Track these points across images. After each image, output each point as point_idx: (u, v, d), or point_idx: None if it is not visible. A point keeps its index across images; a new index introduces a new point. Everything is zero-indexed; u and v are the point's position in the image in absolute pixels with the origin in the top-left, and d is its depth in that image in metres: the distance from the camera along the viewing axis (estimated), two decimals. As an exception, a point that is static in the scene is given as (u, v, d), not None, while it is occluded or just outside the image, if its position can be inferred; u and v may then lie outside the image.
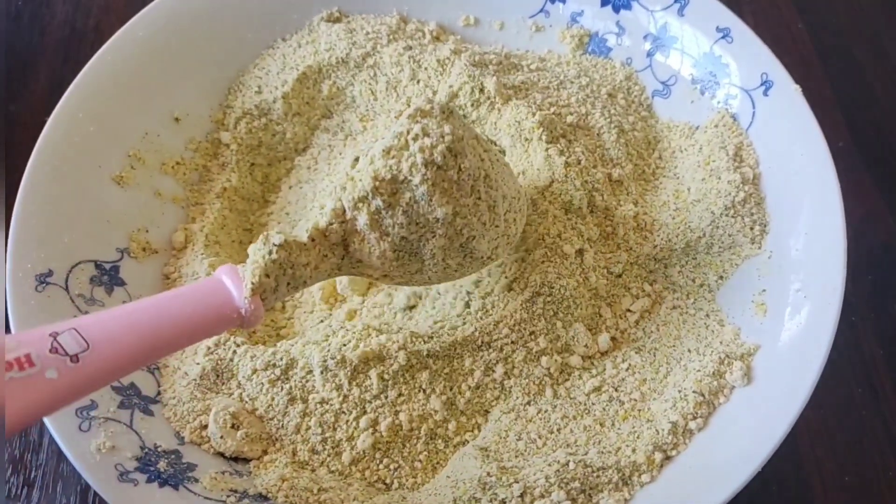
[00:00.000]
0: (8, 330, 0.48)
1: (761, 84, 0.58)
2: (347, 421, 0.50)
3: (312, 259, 0.44)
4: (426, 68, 0.61)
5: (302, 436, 0.50)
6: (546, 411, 0.51)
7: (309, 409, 0.50)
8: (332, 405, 0.50)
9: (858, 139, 0.73)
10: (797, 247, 0.53)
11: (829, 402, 0.60)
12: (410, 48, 0.62)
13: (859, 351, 0.63)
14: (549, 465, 0.47)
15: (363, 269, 0.46)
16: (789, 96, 0.56)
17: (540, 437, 0.50)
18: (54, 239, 0.52)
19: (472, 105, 0.60)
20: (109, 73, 0.58)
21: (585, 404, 0.52)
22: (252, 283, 0.41)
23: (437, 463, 0.50)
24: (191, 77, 0.62)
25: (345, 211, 0.44)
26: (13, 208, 0.52)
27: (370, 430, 0.50)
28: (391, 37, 0.63)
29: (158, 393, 0.51)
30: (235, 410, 0.49)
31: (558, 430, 0.51)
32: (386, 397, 0.50)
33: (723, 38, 0.60)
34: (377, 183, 0.43)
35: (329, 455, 0.50)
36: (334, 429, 0.50)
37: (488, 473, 0.46)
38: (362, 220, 0.44)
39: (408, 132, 0.43)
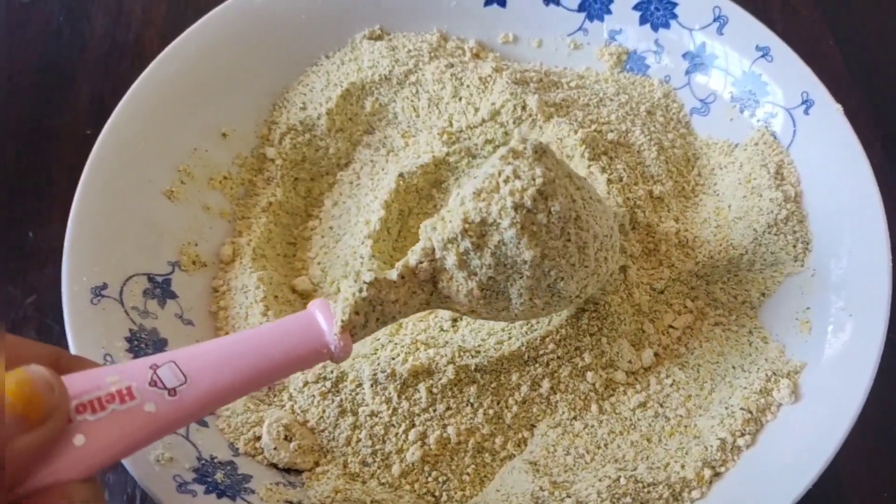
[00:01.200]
0: (65, 341, 0.49)
1: (802, 103, 0.59)
2: (397, 434, 0.50)
3: (402, 296, 0.45)
4: (468, 85, 0.62)
5: (352, 448, 0.50)
6: (592, 426, 0.52)
7: (359, 422, 0.50)
8: (381, 418, 0.50)
9: (891, 156, 0.74)
10: (841, 265, 0.53)
11: (867, 417, 0.60)
12: (452, 65, 0.63)
13: (896, 367, 0.63)
14: (601, 480, 0.47)
15: (451, 304, 0.47)
16: (830, 115, 0.57)
17: (588, 452, 0.51)
18: (108, 253, 0.53)
19: (515, 122, 0.60)
20: (158, 90, 0.59)
21: (631, 420, 0.52)
22: (342, 321, 0.42)
23: (485, 476, 0.51)
24: (237, 93, 0.63)
25: (434, 250, 0.45)
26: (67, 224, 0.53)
27: (419, 443, 0.50)
28: (432, 54, 0.64)
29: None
30: (288, 422, 0.50)
31: (605, 445, 0.51)
32: (434, 411, 0.51)
33: (762, 56, 0.61)
34: (466, 225, 0.44)
35: (379, 467, 0.50)
36: (384, 441, 0.50)
37: (541, 488, 0.47)
38: (451, 260, 0.44)
39: (499, 174, 0.44)
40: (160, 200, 0.57)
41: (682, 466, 0.49)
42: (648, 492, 0.47)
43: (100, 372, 0.36)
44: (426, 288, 0.46)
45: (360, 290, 0.43)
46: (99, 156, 0.55)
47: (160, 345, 0.52)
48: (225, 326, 0.56)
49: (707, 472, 0.48)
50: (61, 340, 0.49)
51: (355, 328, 0.43)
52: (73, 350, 0.48)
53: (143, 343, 0.51)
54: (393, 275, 0.44)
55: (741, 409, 0.50)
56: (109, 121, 0.57)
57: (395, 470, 0.50)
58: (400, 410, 0.50)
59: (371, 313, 0.44)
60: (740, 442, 0.49)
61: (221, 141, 0.62)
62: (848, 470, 0.59)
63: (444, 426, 0.50)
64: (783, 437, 0.49)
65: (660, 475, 0.48)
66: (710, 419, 0.51)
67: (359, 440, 0.50)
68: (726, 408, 0.50)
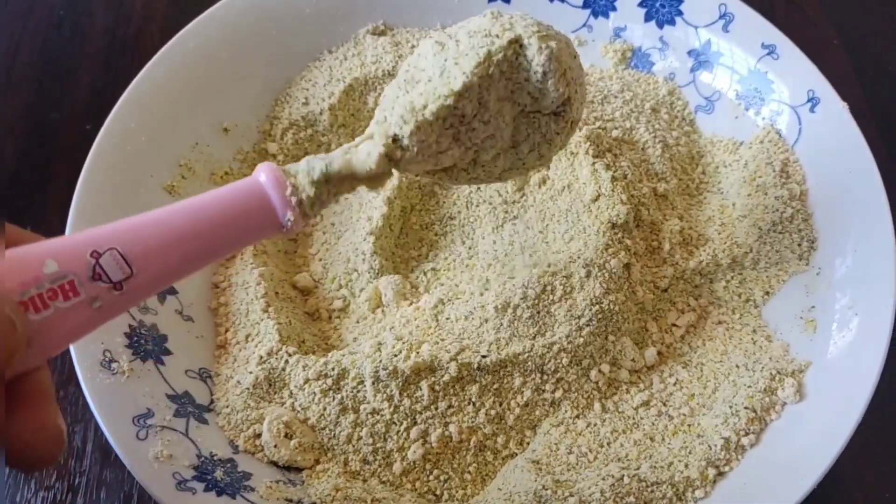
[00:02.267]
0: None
1: (808, 101, 0.58)
2: (398, 431, 0.50)
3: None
4: (472, 81, 0.62)
5: (353, 446, 0.50)
6: (595, 425, 0.51)
7: (360, 420, 0.50)
8: (383, 416, 0.50)
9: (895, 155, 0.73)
10: (846, 264, 0.53)
11: (870, 416, 0.60)
12: (456, 61, 0.63)
13: (900, 367, 0.63)
14: (604, 479, 0.47)
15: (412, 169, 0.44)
16: (836, 113, 0.57)
17: (591, 451, 0.50)
18: (108, 247, 0.53)
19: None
20: (160, 85, 0.59)
21: (634, 418, 0.52)
22: (306, 198, 0.40)
23: (486, 475, 0.51)
24: (239, 88, 0.62)
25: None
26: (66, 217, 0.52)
27: (420, 441, 0.50)
28: (436, 50, 0.64)
29: (212, 401, 0.51)
30: (288, 420, 0.49)
31: (608, 444, 0.51)
32: (436, 409, 0.50)
33: (768, 54, 0.61)
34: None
35: (380, 465, 0.50)
36: (385, 439, 0.50)
37: (543, 486, 0.46)
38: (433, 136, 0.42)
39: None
40: (161, 195, 0.57)
41: (686, 466, 0.48)
42: (652, 491, 0.47)
43: (38, 254, 0.33)
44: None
45: (320, 180, 0.40)
46: (100, 151, 0.55)
47: (160, 340, 0.51)
48: (225, 322, 0.56)
49: (711, 472, 0.48)
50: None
51: (313, 205, 0.40)
52: (71, 346, 0.48)
53: (142, 339, 0.50)
54: (366, 165, 0.41)
55: (745, 408, 0.49)
56: (110, 115, 0.56)
57: (397, 468, 0.50)
58: (401, 408, 0.50)
59: (329, 189, 0.41)
60: (744, 441, 0.49)
61: (223, 136, 0.61)
62: (851, 469, 0.59)
63: (446, 424, 0.50)
64: (788, 436, 0.49)
65: (663, 474, 0.47)
66: (714, 418, 0.50)
67: (360, 438, 0.50)
68: (730, 407, 0.50)
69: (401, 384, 0.50)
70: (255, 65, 0.63)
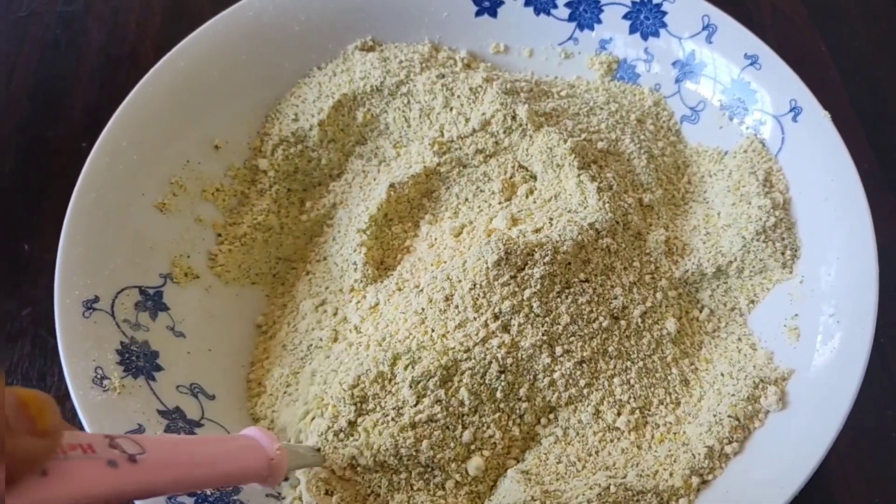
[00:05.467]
0: (57, 359, 0.49)
1: (790, 110, 0.59)
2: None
3: None
4: (459, 96, 0.62)
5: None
6: (584, 435, 0.52)
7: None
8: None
9: (883, 161, 0.74)
10: (829, 272, 0.53)
11: (858, 423, 0.61)
12: (443, 76, 0.63)
13: (889, 373, 0.63)
14: (591, 488, 0.47)
15: None
16: (819, 122, 0.57)
17: (580, 460, 0.51)
18: (100, 265, 0.53)
19: (505, 132, 0.61)
20: (151, 103, 0.59)
21: (623, 426, 0.52)
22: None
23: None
24: (230, 106, 0.63)
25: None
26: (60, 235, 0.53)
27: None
28: (424, 65, 0.65)
29: (202, 416, 0.52)
30: (326, 476, 0.50)
31: (597, 452, 0.51)
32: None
33: (751, 64, 0.61)
34: None
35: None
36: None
37: (532, 497, 0.47)
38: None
39: None
40: (152, 213, 0.57)
41: (671, 474, 0.49)
42: (637, 500, 0.47)
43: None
44: None
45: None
46: (91, 169, 0.56)
47: (152, 357, 0.52)
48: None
49: (695, 480, 0.48)
50: (56, 353, 0.50)
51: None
52: (64, 363, 0.49)
53: (133, 355, 0.51)
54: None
55: (729, 416, 0.50)
56: (102, 134, 0.57)
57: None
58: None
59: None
60: (728, 449, 0.49)
61: (214, 153, 0.62)
62: (839, 475, 0.59)
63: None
64: (771, 444, 0.49)
65: (648, 483, 0.48)
66: (699, 426, 0.51)
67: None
68: (714, 415, 0.51)
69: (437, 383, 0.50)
70: (244, 82, 0.64)
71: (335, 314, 0.58)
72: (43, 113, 0.76)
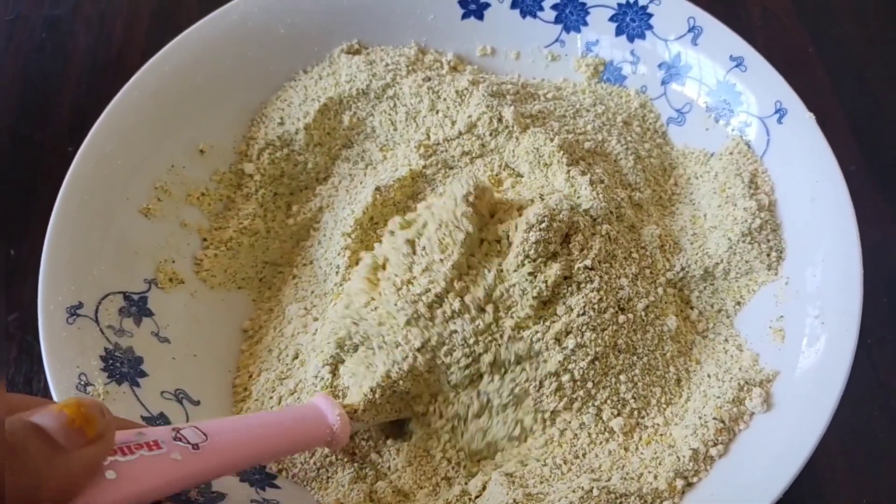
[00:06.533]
0: (41, 365, 0.49)
1: (775, 112, 0.59)
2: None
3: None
4: (445, 99, 0.62)
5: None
6: (574, 436, 0.52)
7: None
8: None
9: (871, 162, 0.74)
10: (814, 273, 0.53)
11: (846, 424, 0.61)
12: (429, 79, 0.63)
13: (876, 373, 0.64)
14: (574, 491, 0.47)
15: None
16: (803, 124, 0.57)
17: (565, 462, 0.51)
18: (84, 271, 0.53)
19: (491, 134, 0.61)
20: (136, 108, 0.59)
21: (611, 428, 0.52)
22: (354, 405, 0.50)
23: None
24: (215, 110, 0.63)
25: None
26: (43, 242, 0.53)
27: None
28: (410, 68, 0.65)
29: (187, 421, 0.52)
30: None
31: (583, 454, 0.51)
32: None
33: (736, 66, 0.61)
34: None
35: None
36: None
37: (514, 501, 0.47)
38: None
39: None
40: (137, 218, 0.57)
41: (655, 477, 0.49)
42: (620, 503, 0.47)
43: (127, 430, 0.38)
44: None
45: (372, 391, 0.50)
46: (75, 174, 0.55)
47: (136, 363, 0.52)
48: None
49: (679, 483, 0.48)
50: (42, 359, 0.50)
51: (356, 418, 0.49)
52: (48, 370, 0.49)
53: (118, 362, 0.51)
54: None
55: (714, 418, 0.50)
56: (86, 139, 0.57)
57: None
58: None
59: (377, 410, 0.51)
60: (713, 452, 0.49)
61: (199, 157, 0.62)
62: (827, 476, 0.59)
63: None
64: (755, 445, 0.49)
65: (632, 486, 0.48)
66: (685, 429, 0.51)
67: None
68: (699, 417, 0.50)
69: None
70: (230, 86, 0.63)
71: (318, 318, 0.58)
72: (30, 116, 0.76)
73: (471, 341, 0.51)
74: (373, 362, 0.52)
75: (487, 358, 0.51)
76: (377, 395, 0.51)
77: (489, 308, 0.51)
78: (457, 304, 0.51)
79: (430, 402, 0.53)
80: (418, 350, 0.51)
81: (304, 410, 0.48)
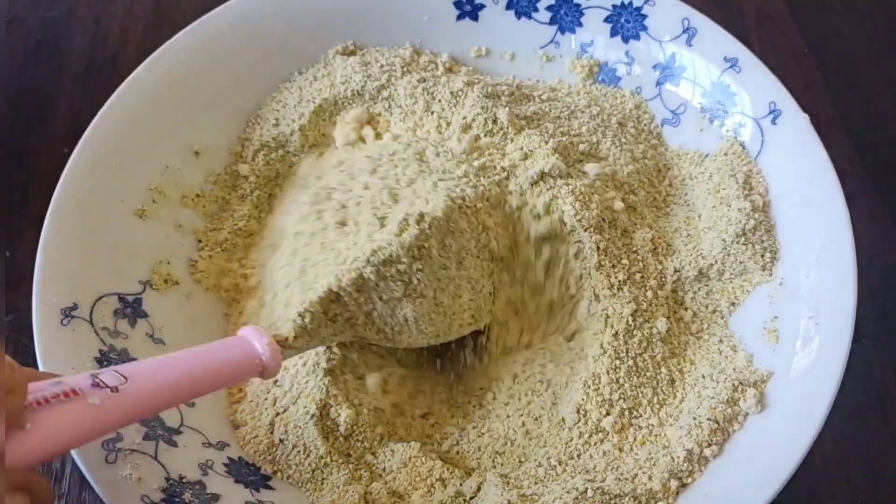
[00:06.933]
0: (36, 365, 0.49)
1: (769, 113, 0.59)
2: None
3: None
4: (440, 100, 0.62)
5: None
6: (568, 439, 0.52)
7: None
8: None
9: (866, 162, 0.74)
10: (808, 274, 0.54)
11: (840, 424, 0.61)
12: (424, 80, 0.63)
13: (870, 373, 0.64)
14: (568, 492, 0.47)
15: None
16: (798, 125, 0.57)
17: (560, 464, 0.51)
18: (78, 273, 0.53)
19: (486, 136, 0.61)
20: (130, 109, 0.59)
21: (606, 429, 0.52)
22: (288, 333, 0.48)
23: None
24: (210, 111, 0.63)
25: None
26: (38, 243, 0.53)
27: None
28: (405, 69, 0.65)
29: (181, 423, 0.52)
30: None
31: (578, 455, 0.51)
32: None
33: (731, 67, 0.61)
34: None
35: None
36: None
37: (509, 502, 0.47)
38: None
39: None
40: (131, 220, 0.57)
41: (650, 478, 0.49)
42: (615, 504, 0.47)
43: (44, 381, 0.37)
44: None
45: (304, 314, 0.48)
46: (70, 176, 0.55)
47: (130, 364, 0.52)
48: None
49: (673, 483, 0.48)
50: (37, 360, 0.50)
51: (287, 346, 0.47)
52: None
53: (112, 363, 0.51)
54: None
55: (708, 419, 0.50)
56: (80, 141, 0.57)
57: None
58: None
59: (309, 336, 0.49)
60: (707, 452, 0.49)
61: (194, 159, 0.62)
62: (822, 476, 0.60)
63: None
64: (750, 446, 0.49)
65: (626, 487, 0.48)
66: (679, 429, 0.51)
67: None
68: (694, 418, 0.51)
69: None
70: (224, 87, 0.63)
71: None
72: (25, 118, 0.76)
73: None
74: (312, 285, 0.52)
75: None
76: (307, 321, 0.49)
77: None
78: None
79: (367, 323, 0.52)
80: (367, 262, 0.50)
81: (231, 342, 0.46)
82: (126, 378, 0.38)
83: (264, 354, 0.44)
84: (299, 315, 0.48)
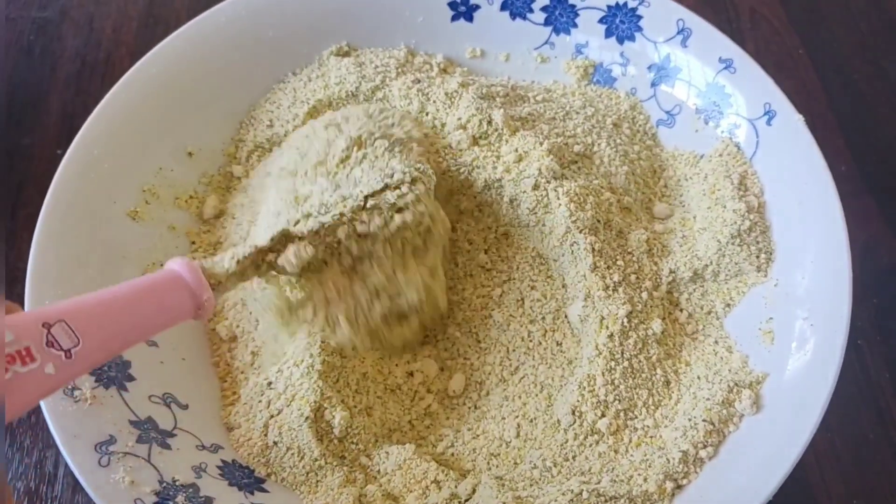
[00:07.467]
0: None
1: (764, 114, 0.59)
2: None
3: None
4: (434, 101, 0.62)
5: None
6: (565, 441, 0.52)
7: None
8: None
9: (861, 163, 0.74)
10: (803, 275, 0.53)
11: (835, 424, 0.61)
12: (419, 81, 0.63)
13: (866, 374, 0.64)
14: (563, 493, 0.47)
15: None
16: (792, 126, 0.57)
17: (555, 465, 0.51)
18: (71, 275, 0.53)
19: (481, 136, 0.61)
20: (123, 110, 0.59)
21: (602, 430, 0.52)
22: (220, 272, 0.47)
23: None
24: (203, 112, 0.63)
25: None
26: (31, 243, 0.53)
27: None
28: (399, 70, 0.65)
29: (175, 426, 0.52)
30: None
31: (573, 457, 0.51)
32: None
33: (725, 68, 0.61)
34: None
35: None
36: None
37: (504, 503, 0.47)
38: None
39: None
40: (124, 221, 0.57)
41: (645, 479, 0.49)
42: (610, 505, 0.47)
43: None
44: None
45: (243, 256, 0.48)
46: (63, 177, 0.55)
47: (124, 367, 0.52)
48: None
49: (669, 485, 0.48)
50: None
51: (220, 284, 0.47)
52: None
53: (105, 366, 0.51)
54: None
55: (704, 420, 0.50)
56: (73, 142, 0.57)
57: None
58: None
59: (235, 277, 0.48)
60: (702, 454, 0.49)
61: (187, 160, 0.62)
62: (817, 478, 0.59)
63: None
64: (745, 447, 0.49)
65: (622, 488, 0.48)
66: (674, 430, 0.51)
67: None
68: (689, 419, 0.50)
69: None
70: (218, 88, 0.63)
71: None
72: (18, 120, 0.76)
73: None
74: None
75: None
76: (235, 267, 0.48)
77: None
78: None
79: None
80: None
81: (169, 285, 0.45)
82: (79, 340, 0.38)
83: (204, 296, 0.45)
84: (237, 260, 0.48)
